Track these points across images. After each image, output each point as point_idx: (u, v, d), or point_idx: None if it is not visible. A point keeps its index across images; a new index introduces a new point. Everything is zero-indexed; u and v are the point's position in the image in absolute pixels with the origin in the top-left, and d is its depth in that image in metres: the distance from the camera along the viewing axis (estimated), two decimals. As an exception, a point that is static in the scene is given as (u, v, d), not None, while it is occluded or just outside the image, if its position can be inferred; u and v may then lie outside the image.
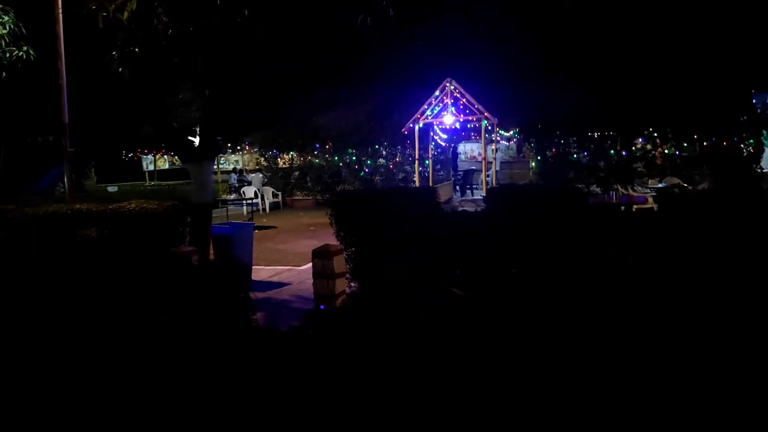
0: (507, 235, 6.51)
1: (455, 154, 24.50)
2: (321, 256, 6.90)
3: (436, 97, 15.75)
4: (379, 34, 8.61)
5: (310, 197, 23.49)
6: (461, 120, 15.61)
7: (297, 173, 24.07)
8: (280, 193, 23.05)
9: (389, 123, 21.82)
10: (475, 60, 17.99)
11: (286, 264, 10.57)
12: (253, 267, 9.33)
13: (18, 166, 23.57)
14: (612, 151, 17.29)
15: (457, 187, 21.33)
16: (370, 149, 21.76)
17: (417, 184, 16.96)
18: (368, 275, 7.04)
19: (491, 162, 16.59)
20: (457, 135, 20.11)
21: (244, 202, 20.52)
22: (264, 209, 21.76)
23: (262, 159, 25.20)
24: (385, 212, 6.97)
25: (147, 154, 30.10)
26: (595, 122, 16.79)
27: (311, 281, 8.86)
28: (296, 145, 22.41)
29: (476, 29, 18.06)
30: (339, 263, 6.99)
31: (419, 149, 18.01)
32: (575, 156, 18.00)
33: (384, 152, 21.41)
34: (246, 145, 25.86)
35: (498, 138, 16.67)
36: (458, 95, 15.39)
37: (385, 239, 6.96)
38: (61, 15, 11.40)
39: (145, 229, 7.57)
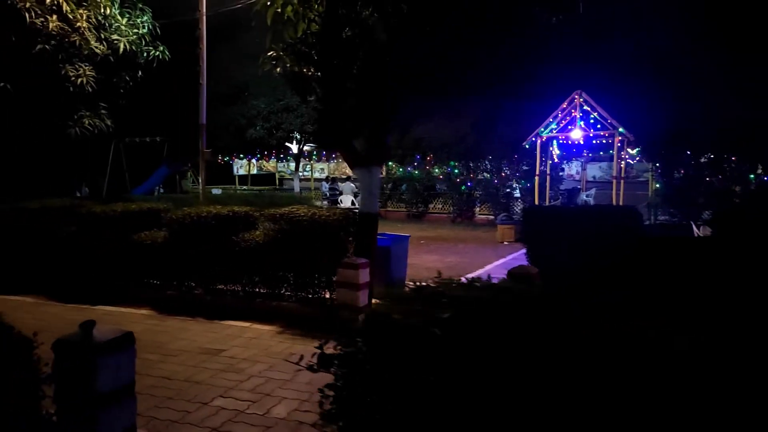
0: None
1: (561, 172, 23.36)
2: (519, 279, 6.14)
3: (563, 110, 14.83)
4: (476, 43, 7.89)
5: (403, 209, 22.92)
6: (591, 135, 14.61)
7: (389, 184, 23.60)
8: (376, 203, 22.58)
9: (494, 135, 20.99)
10: (593, 68, 16.82)
11: (426, 280, 9.87)
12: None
13: (120, 166, 24.21)
14: (752, 176, 15.77)
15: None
16: (471, 163, 20.98)
17: (536, 201, 16.00)
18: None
19: (621, 181, 15.41)
20: (568, 151, 19.02)
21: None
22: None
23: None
24: (594, 232, 6.15)
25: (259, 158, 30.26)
26: (735, 140, 15.28)
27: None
28: (396, 154, 21.89)
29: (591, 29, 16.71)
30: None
31: (535, 164, 17.05)
32: (707, 178, 16.54)
33: (489, 165, 20.56)
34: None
35: (626, 155, 15.53)
36: (588, 108, 14.41)
37: (591, 264, 6.15)
38: (204, 15, 11.29)
39: (317, 236, 7.06)
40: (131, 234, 8.40)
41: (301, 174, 28.17)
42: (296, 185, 26.76)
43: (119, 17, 12.17)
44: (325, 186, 27.11)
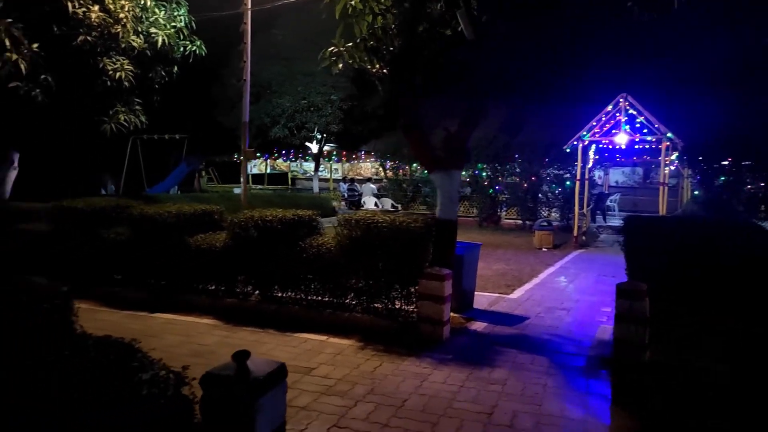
0: None
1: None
2: (630, 296, 5.67)
3: (607, 114, 14.35)
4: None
5: (425, 212, 22.44)
6: (637, 140, 14.15)
7: (410, 187, 23.14)
8: (399, 206, 22.13)
9: (524, 137, 20.52)
10: (635, 71, 16.39)
11: (483, 289, 9.38)
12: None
13: (137, 163, 23.62)
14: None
15: (598, 212, 19.71)
16: (499, 165, 20.50)
17: (577, 207, 15.51)
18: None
19: (667, 187, 14.95)
20: (611, 156, 18.55)
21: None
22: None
23: (379, 167, 24.39)
24: (715, 249, 5.67)
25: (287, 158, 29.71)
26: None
27: (543, 314, 7.78)
28: (421, 156, 21.36)
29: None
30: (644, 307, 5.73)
31: (569, 168, 16.58)
32: (749, 186, 16.12)
33: (518, 169, 20.09)
34: (362, 153, 25.14)
35: (668, 161, 15.06)
36: (635, 113, 13.96)
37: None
38: (249, 11, 10.78)
39: (396, 245, 6.57)
40: (185, 237, 7.90)
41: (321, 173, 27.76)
42: (315, 186, 26.26)
43: (156, 10, 11.68)
44: (343, 187, 26.63)
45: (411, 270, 6.56)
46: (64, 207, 8.47)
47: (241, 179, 12.41)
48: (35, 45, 8.93)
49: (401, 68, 7.14)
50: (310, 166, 32.15)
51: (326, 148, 26.11)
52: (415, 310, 6.82)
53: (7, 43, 8.46)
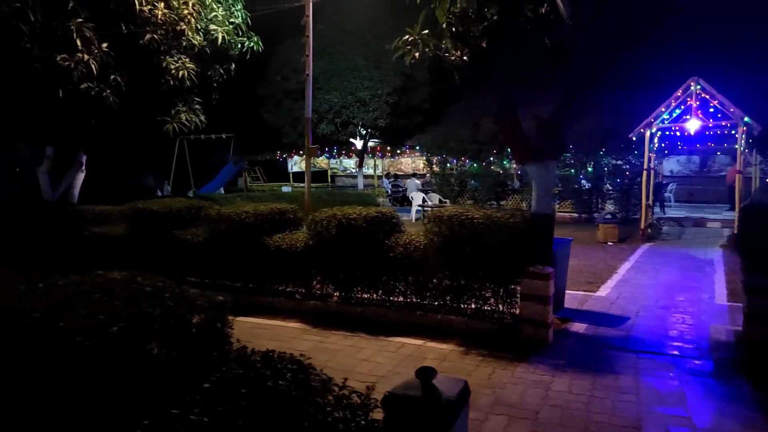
0: None
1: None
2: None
3: (677, 99, 13.64)
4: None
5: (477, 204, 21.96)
6: (710, 125, 13.41)
7: (457, 180, 22.67)
8: (447, 201, 21.68)
9: (579, 127, 19.82)
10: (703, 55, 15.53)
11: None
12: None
13: (184, 164, 23.70)
14: None
15: (656, 203, 18.90)
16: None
17: (644, 199, 14.83)
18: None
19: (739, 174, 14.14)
20: (668, 145, 17.73)
21: (416, 207, 19.42)
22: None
23: (422, 163, 23.98)
24: None
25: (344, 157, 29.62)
26: None
27: (642, 314, 7.29)
28: (470, 149, 20.90)
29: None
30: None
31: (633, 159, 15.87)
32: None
33: (572, 160, 19.43)
34: (407, 148, 24.74)
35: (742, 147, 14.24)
36: (707, 97, 13.22)
37: None
38: (311, 2, 10.51)
39: (494, 242, 6.18)
40: (263, 237, 7.67)
41: (355, 170, 27.44)
42: (360, 182, 25.99)
43: (215, 6, 11.51)
44: (386, 182, 26.30)
45: (509, 268, 6.17)
46: (140, 209, 8.34)
47: (306, 178, 12.20)
48: (105, 45, 8.82)
49: (494, 47, 6.73)
50: (349, 162, 31.89)
51: (370, 143, 25.78)
52: (511, 311, 6.45)
53: (79, 43, 8.36)
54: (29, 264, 7.82)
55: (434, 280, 6.70)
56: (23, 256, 8.68)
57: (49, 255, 8.81)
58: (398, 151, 25.53)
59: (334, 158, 31.11)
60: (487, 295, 6.50)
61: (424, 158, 23.64)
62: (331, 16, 21.47)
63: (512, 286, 6.34)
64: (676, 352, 5.75)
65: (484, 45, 6.95)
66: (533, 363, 5.43)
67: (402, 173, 29.57)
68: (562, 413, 4.31)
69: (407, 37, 7.85)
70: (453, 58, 7.93)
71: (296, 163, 31.42)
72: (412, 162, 29.44)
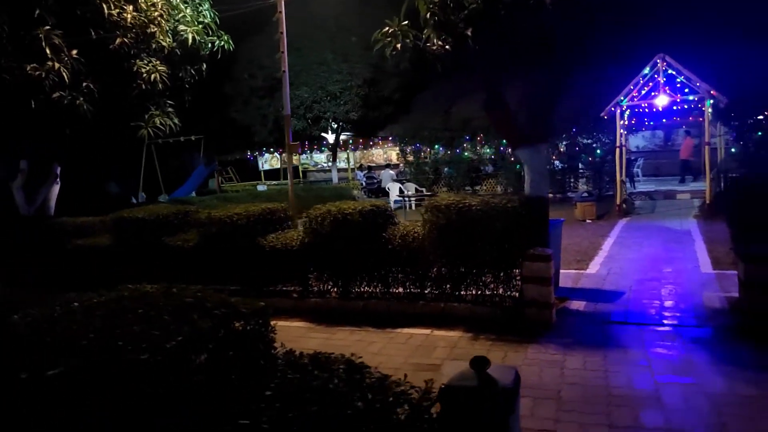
0: None
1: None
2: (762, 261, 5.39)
3: (645, 76, 13.97)
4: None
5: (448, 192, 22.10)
6: (678, 100, 13.77)
7: (431, 168, 22.77)
8: (423, 189, 21.78)
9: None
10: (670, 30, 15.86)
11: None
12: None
13: (153, 169, 23.16)
14: None
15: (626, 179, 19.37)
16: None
17: (618, 175, 15.17)
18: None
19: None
20: (636, 121, 18.14)
21: (394, 198, 19.50)
22: (410, 206, 20.50)
23: (394, 153, 24.00)
24: None
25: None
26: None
27: (636, 287, 7.48)
28: (443, 137, 21.00)
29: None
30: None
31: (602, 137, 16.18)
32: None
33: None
34: (379, 139, 24.71)
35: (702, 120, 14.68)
36: (674, 72, 13.58)
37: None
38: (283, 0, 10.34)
39: (492, 227, 6.25)
40: (257, 238, 7.58)
41: (327, 165, 27.30)
42: (335, 176, 25.86)
43: (182, 6, 11.24)
44: (360, 175, 26.22)
45: (508, 253, 6.26)
46: (125, 218, 8.13)
47: (288, 175, 11.98)
48: (75, 51, 8.54)
49: (478, 34, 6.77)
50: (320, 157, 31.66)
51: (342, 137, 25.65)
52: (512, 294, 6.55)
53: (48, 51, 8.07)
54: (15, 282, 7.56)
55: (434, 269, 6.75)
56: (6, 274, 8.38)
57: (32, 272, 8.54)
58: (371, 143, 25.47)
59: (305, 154, 30.88)
60: (487, 280, 6.58)
61: (397, 148, 23.66)
62: (296, 12, 21.20)
63: (511, 270, 6.43)
64: (675, 322, 5.94)
65: (469, 33, 6.96)
66: (542, 343, 5.53)
67: (374, 165, 29.53)
68: (583, 390, 4.41)
69: (387, 29, 7.82)
70: (435, 47, 7.93)
71: (267, 161, 31.08)
72: (384, 153, 29.41)
